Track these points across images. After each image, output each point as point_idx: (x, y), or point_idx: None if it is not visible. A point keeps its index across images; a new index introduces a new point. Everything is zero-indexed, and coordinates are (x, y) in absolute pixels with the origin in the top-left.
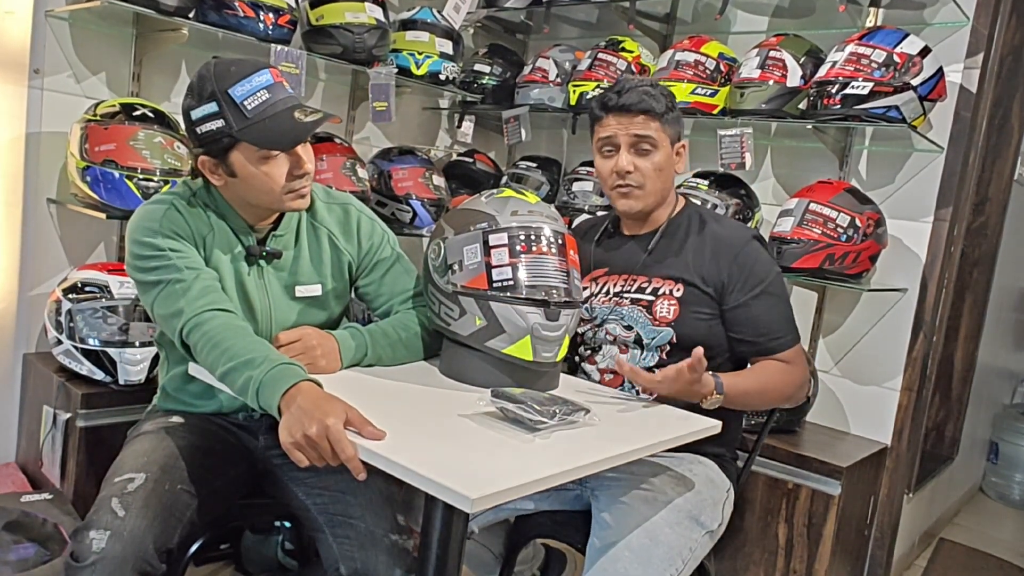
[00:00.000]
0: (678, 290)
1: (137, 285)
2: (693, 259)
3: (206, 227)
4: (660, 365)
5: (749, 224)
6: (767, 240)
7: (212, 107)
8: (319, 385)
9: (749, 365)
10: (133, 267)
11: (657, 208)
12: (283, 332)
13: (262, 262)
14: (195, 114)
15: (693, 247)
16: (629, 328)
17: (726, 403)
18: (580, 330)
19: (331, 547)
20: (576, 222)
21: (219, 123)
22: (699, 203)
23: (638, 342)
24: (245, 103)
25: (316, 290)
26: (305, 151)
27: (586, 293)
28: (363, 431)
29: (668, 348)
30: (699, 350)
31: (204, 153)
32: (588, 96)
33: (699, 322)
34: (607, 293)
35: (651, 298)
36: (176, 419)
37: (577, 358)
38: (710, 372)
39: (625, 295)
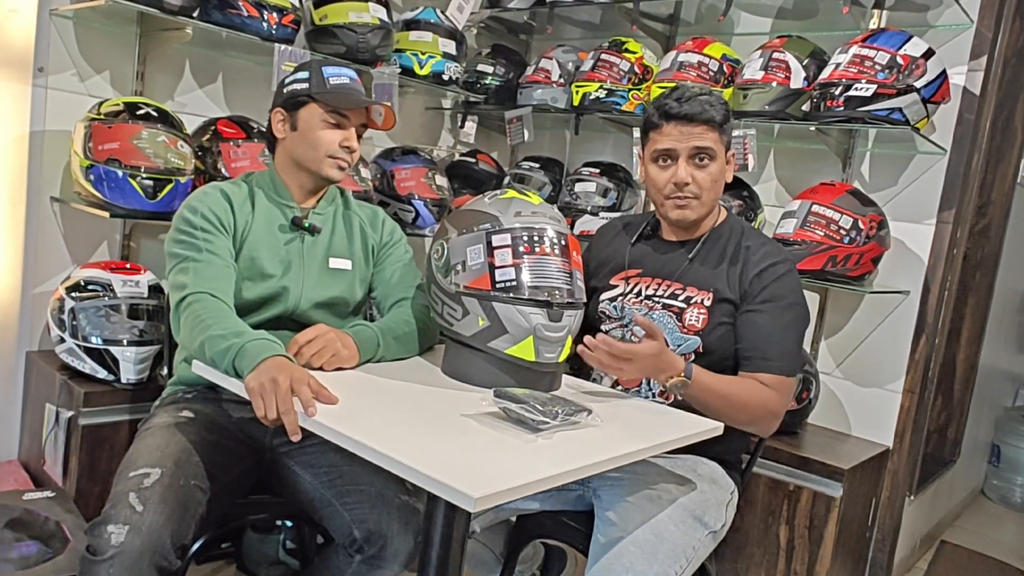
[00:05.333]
0: (708, 299)
1: (166, 255)
2: (727, 270)
3: (250, 209)
4: None
5: (751, 225)
6: None
7: (304, 75)
8: (291, 360)
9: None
10: (169, 238)
11: (704, 217)
12: (299, 334)
13: (304, 233)
14: (288, 80)
15: (730, 259)
16: None
17: (688, 394)
18: (605, 328)
19: (342, 515)
20: (581, 223)
21: (304, 85)
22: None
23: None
24: (330, 79)
25: (347, 264)
26: (355, 137)
27: (616, 292)
28: (319, 395)
29: (693, 357)
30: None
31: (281, 106)
32: (591, 97)
33: (725, 333)
34: (638, 294)
35: (683, 305)
36: (186, 414)
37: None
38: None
39: (657, 299)
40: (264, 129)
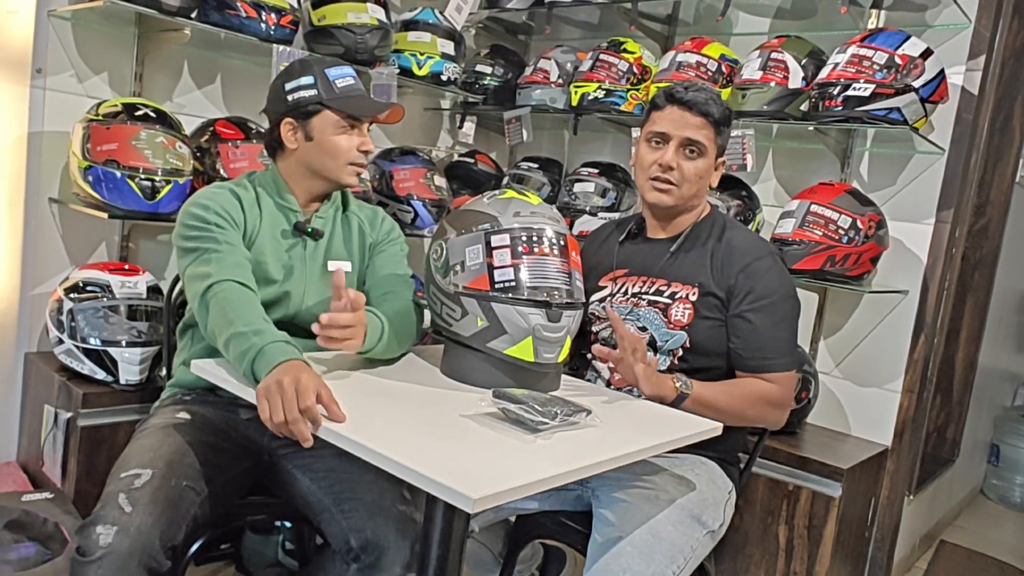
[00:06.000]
0: (693, 294)
1: (177, 252)
2: (710, 264)
3: (257, 212)
4: (671, 370)
5: (750, 226)
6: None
7: (308, 79)
8: (307, 365)
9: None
10: (178, 236)
11: (684, 212)
12: (337, 316)
13: (306, 238)
14: (289, 85)
15: (711, 252)
16: (644, 330)
17: (691, 405)
18: (595, 329)
19: (339, 523)
20: (580, 223)
21: (312, 92)
22: (724, 211)
23: (651, 344)
24: (336, 82)
25: (346, 266)
26: (369, 139)
27: (604, 292)
28: (328, 410)
29: (680, 352)
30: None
31: (290, 116)
32: (589, 97)
33: (711, 328)
34: (625, 293)
35: (668, 301)
36: (183, 415)
37: (590, 356)
38: (679, 375)
39: (643, 296)
40: (262, 131)
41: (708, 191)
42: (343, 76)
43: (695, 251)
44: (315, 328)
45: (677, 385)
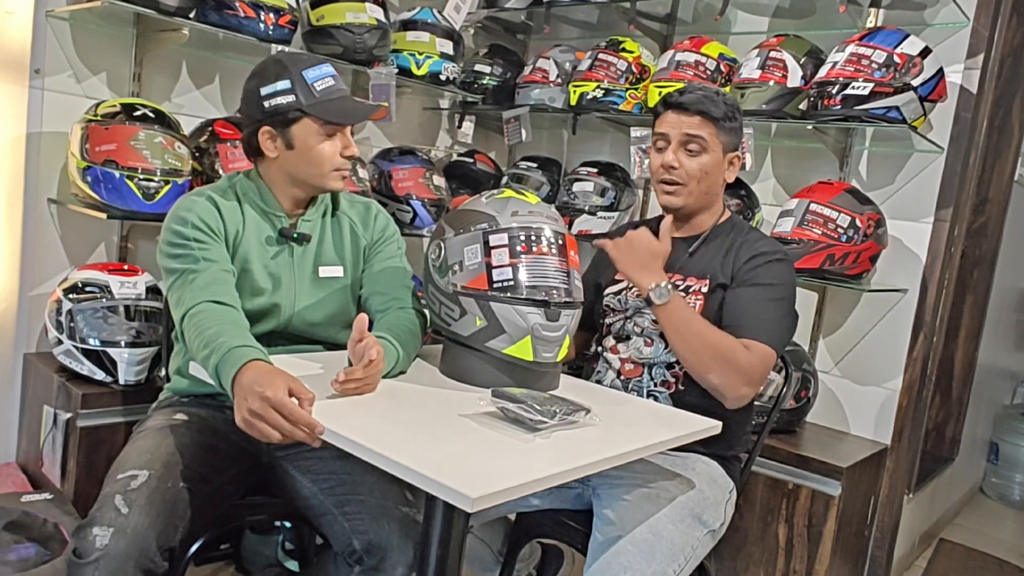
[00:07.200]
0: (705, 286)
1: (162, 271)
2: (723, 259)
3: (240, 218)
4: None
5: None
6: None
7: (285, 84)
8: (268, 363)
9: None
10: (161, 252)
11: (700, 212)
12: (358, 370)
13: (292, 244)
14: (265, 90)
15: (727, 250)
16: (656, 321)
17: (663, 316)
18: (608, 321)
19: (342, 525)
20: (579, 222)
21: (290, 98)
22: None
23: (663, 335)
24: (315, 85)
25: (338, 271)
26: (352, 141)
27: (621, 286)
28: (302, 404)
29: None
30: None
31: (267, 124)
32: (588, 96)
33: (721, 320)
34: None
35: (681, 294)
36: (180, 416)
37: (600, 348)
38: (670, 285)
39: None
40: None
41: (723, 190)
42: (322, 77)
43: (712, 249)
44: (332, 385)
45: (650, 287)
